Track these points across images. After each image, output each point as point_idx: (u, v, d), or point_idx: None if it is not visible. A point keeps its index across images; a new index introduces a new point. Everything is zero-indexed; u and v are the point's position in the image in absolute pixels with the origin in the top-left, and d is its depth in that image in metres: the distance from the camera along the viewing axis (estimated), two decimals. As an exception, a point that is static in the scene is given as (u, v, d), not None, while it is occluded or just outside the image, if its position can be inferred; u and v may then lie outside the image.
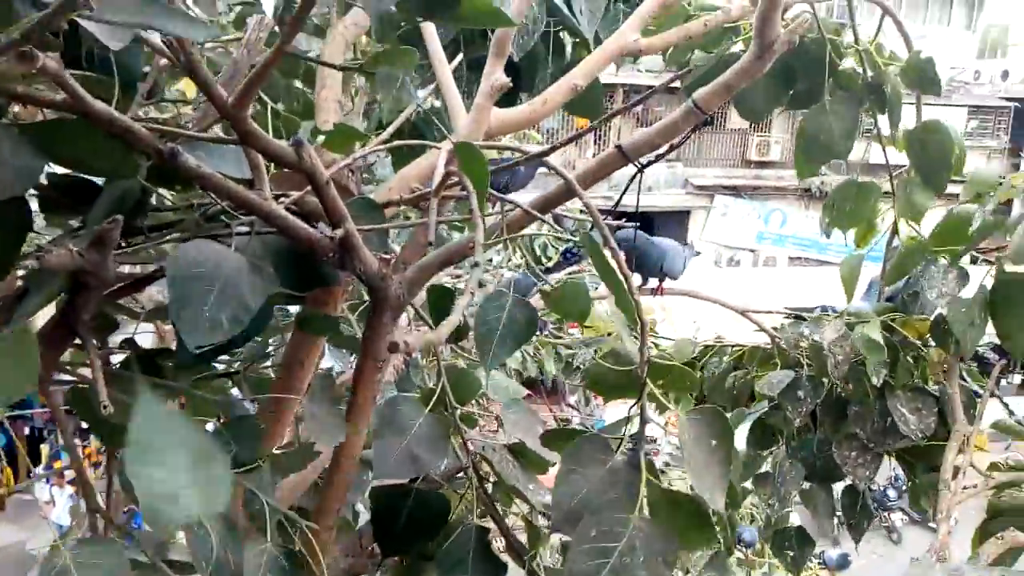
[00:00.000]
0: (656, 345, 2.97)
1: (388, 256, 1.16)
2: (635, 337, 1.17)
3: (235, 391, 1.55)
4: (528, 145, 2.29)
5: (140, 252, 1.17)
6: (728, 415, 2.14)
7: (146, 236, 1.19)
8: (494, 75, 1.33)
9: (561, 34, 1.96)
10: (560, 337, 4.06)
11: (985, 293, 1.86)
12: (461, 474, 1.61)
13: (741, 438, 2.28)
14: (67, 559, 1.03)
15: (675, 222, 19.16)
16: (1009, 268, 1.82)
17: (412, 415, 1.37)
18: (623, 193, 1.25)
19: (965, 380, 2.07)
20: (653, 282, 2.75)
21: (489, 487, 1.59)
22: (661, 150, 1.06)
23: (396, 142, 1.24)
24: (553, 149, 1.07)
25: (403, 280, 1.17)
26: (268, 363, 1.83)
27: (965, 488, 1.99)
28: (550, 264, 3.76)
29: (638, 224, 1.29)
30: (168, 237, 1.18)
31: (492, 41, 1.35)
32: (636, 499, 1.08)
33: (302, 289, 1.25)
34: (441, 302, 1.12)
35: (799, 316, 2.12)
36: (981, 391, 2.13)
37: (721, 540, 2.34)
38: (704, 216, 19.70)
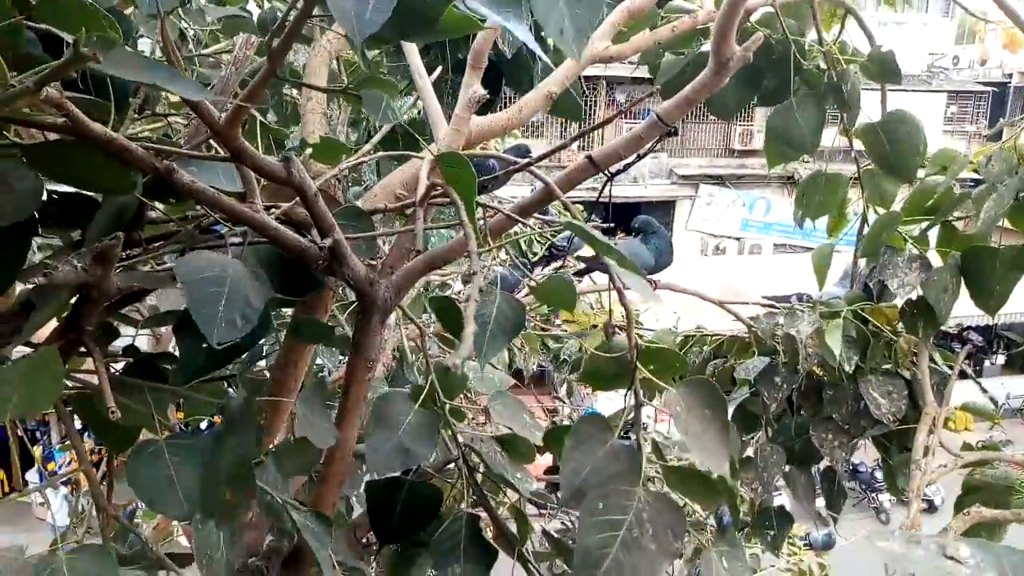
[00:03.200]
0: (639, 336, 3.05)
1: (375, 261, 1.22)
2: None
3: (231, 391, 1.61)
4: (513, 145, 2.33)
5: (139, 265, 1.23)
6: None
7: (144, 248, 1.25)
8: (472, 87, 1.39)
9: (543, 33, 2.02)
10: (547, 330, 4.14)
11: (957, 262, 1.96)
12: (452, 465, 1.68)
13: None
14: (62, 565, 1.07)
15: (661, 212, 19.26)
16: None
17: (402, 411, 1.44)
18: (599, 196, 1.32)
19: (936, 363, 2.16)
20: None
21: (479, 477, 1.66)
22: (629, 159, 1.12)
23: (380, 154, 1.30)
24: (532, 163, 1.13)
25: (390, 284, 1.23)
26: (262, 364, 1.89)
27: (941, 466, 2.08)
28: (535, 259, 3.82)
29: (613, 226, 1.36)
30: (165, 248, 1.24)
31: (470, 53, 1.41)
32: (639, 473, 1.14)
33: (293, 294, 1.30)
34: (448, 312, 1.19)
35: (774, 306, 2.20)
36: (961, 370, 2.22)
37: (727, 510, 2.39)
38: (689, 205, 19.81)
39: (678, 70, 1.99)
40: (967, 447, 2.24)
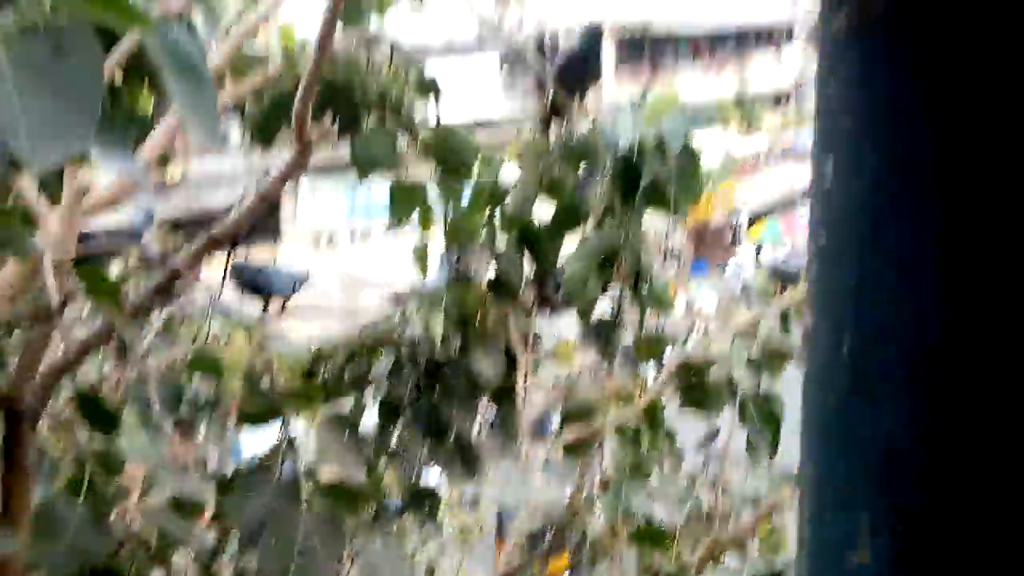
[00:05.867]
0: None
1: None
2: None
3: None
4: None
5: None
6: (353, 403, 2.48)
7: None
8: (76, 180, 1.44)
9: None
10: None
11: (515, 239, 2.46)
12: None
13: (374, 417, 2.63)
14: None
15: (266, 215, 18.87)
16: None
17: (66, 512, 1.42)
18: (226, 266, 1.48)
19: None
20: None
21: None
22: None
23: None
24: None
25: (34, 388, 1.27)
26: None
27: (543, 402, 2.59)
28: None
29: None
30: None
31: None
32: (300, 501, 1.36)
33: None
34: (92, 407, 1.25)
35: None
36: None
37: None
38: (293, 202, 19.66)
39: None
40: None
